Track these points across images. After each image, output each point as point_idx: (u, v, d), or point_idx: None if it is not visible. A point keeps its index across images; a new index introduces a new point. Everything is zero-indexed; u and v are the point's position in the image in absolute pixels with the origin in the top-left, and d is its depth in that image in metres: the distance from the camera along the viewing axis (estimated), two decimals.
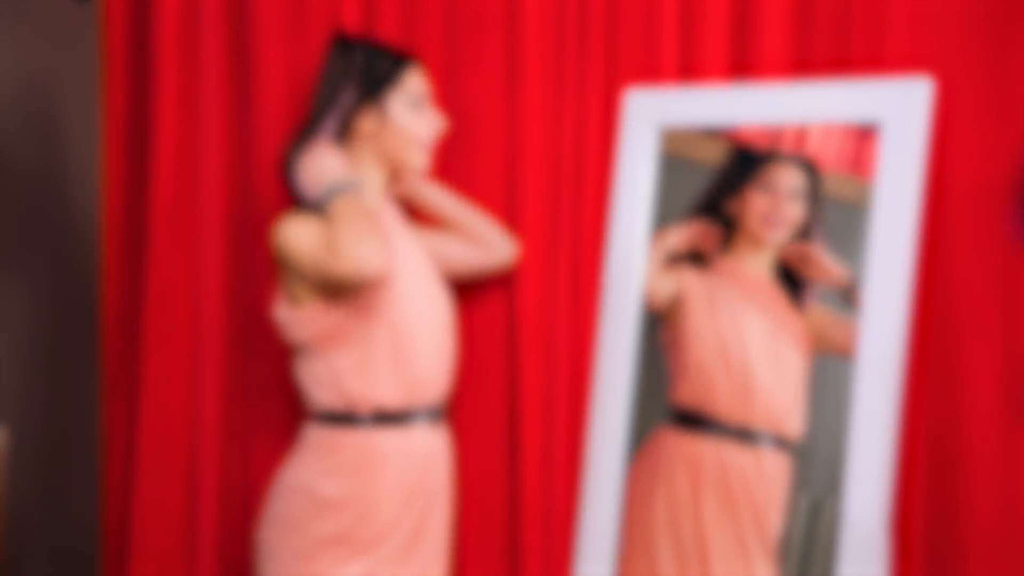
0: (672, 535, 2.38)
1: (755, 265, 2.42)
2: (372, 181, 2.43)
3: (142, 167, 2.72)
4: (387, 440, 2.36)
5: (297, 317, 2.34)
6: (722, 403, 2.37)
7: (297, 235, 2.29)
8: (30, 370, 2.54)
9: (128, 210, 2.74)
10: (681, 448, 2.41)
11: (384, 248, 2.24)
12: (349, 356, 2.34)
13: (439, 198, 2.57)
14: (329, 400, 2.37)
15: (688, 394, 2.41)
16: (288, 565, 2.33)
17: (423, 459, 2.39)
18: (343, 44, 2.42)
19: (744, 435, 2.36)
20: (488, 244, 2.57)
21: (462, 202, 2.59)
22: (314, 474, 2.35)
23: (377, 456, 2.35)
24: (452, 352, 2.48)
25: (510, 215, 2.69)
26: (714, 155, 2.47)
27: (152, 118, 2.69)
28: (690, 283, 2.44)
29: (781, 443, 2.35)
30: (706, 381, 2.39)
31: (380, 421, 2.36)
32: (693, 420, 2.40)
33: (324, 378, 2.36)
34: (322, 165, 2.32)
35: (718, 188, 2.45)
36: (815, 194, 2.38)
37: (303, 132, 2.40)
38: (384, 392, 2.35)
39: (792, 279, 2.40)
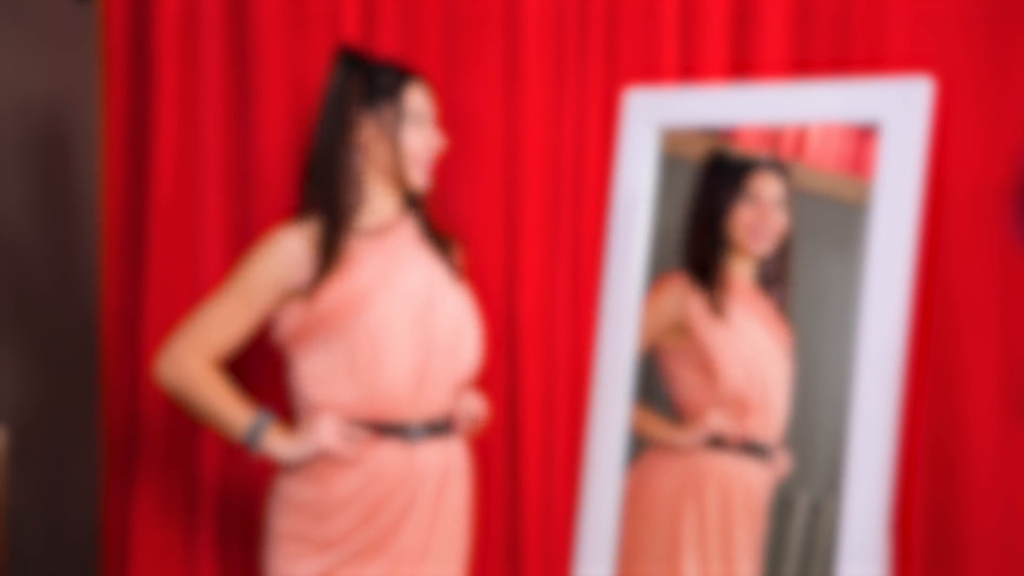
0: (699, 545, 2.37)
1: (742, 274, 2.40)
2: (384, 197, 2.38)
3: (142, 167, 2.72)
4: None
5: (282, 314, 2.34)
6: (753, 422, 2.36)
7: (266, 254, 2.32)
8: (30, 370, 2.54)
9: (128, 210, 2.74)
10: (709, 466, 2.39)
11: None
12: (311, 361, 2.33)
13: None
14: (297, 404, 2.38)
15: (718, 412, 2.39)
16: (263, 555, 2.39)
17: (393, 475, 2.32)
18: (347, 58, 2.39)
19: (764, 451, 2.35)
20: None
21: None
22: (285, 473, 2.36)
23: (332, 465, 2.32)
24: (450, 375, 2.37)
25: (510, 215, 2.69)
26: None
27: (152, 118, 2.69)
28: (695, 302, 2.41)
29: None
30: (738, 402, 2.37)
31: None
32: (721, 440, 2.38)
33: (292, 382, 2.37)
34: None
35: (709, 206, 2.41)
36: (792, 198, 2.37)
37: (314, 144, 2.36)
38: (340, 403, 2.32)
39: (771, 285, 2.38)
